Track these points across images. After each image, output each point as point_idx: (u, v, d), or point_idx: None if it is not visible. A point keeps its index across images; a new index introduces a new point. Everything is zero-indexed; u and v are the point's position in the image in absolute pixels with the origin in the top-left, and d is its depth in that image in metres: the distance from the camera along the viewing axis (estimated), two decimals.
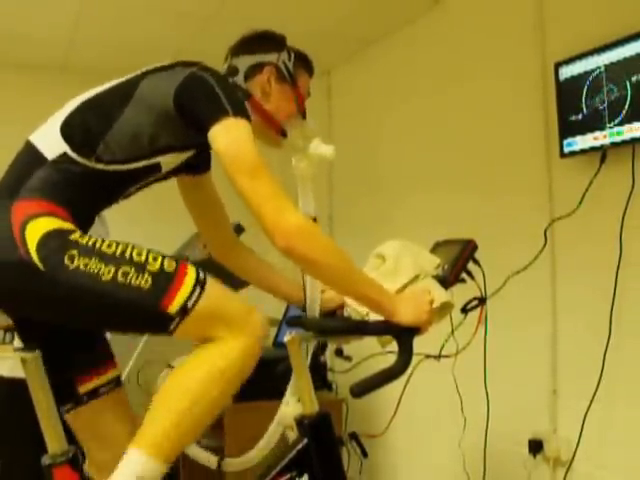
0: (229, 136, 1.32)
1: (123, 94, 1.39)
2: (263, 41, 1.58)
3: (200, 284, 1.27)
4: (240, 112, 1.34)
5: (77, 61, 3.38)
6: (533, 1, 2.31)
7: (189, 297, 1.24)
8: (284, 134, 1.57)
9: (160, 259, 1.27)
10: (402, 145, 3.04)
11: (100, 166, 1.35)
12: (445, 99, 2.76)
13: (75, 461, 1.38)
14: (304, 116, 1.60)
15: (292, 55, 1.58)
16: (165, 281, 1.24)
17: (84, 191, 1.36)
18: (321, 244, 1.32)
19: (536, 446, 2.23)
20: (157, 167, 1.44)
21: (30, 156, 1.36)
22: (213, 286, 1.29)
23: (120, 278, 1.22)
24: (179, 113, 1.37)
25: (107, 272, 1.22)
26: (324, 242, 1.34)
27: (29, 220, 1.25)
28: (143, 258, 1.25)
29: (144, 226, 2.98)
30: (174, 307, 1.23)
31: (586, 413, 2.05)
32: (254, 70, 1.54)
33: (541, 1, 2.29)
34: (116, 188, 1.45)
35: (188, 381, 1.26)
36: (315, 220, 1.57)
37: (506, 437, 2.34)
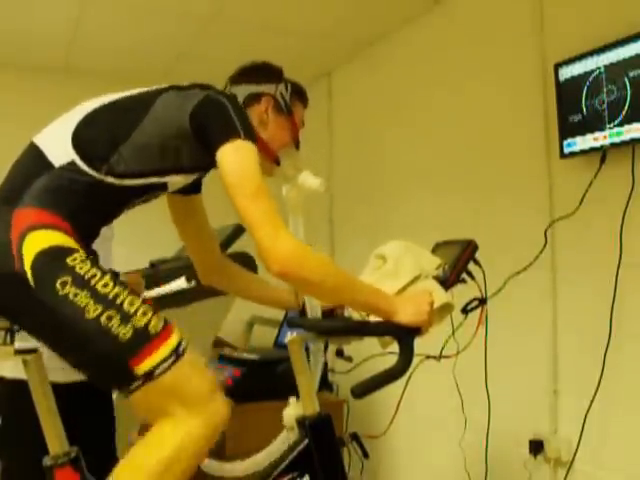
0: (237, 156, 1.34)
1: (140, 107, 1.41)
2: (262, 72, 1.61)
3: (177, 354, 1.24)
4: (250, 135, 1.37)
5: (78, 63, 3.38)
6: (532, 2, 2.31)
7: (159, 364, 1.22)
8: (278, 162, 1.60)
9: (149, 316, 1.25)
10: (402, 146, 3.04)
11: (109, 179, 1.35)
12: (445, 100, 2.76)
13: (76, 462, 1.38)
14: (297, 147, 1.64)
15: (289, 87, 1.61)
16: (144, 339, 1.23)
17: (88, 203, 1.35)
18: (313, 266, 1.33)
19: (537, 446, 2.22)
20: (164, 186, 1.46)
21: (35, 160, 1.35)
22: (188, 360, 1.26)
23: (103, 320, 1.21)
24: (194, 132, 1.39)
25: (93, 310, 1.21)
26: (316, 264, 1.34)
27: (29, 231, 1.24)
28: (133, 309, 1.24)
29: (146, 226, 2.98)
30: (141, 369, 1.21)
31: (587, 413, 2.05)
32: (252, 99, 1.57)
33: (541, 2, 2.29)
34: (120, 202, 1.45)
35: (146, 464, 1.23)
36: None
37: (507, 437, 2.34)
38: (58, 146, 1.35)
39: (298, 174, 1.57)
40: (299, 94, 1.65)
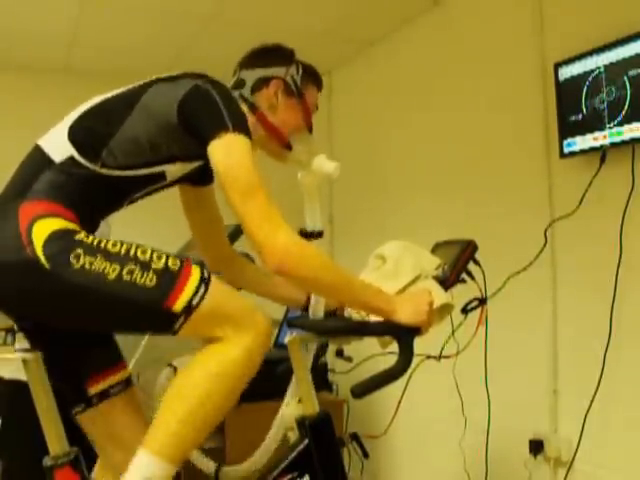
0: (228, 152, 1.32)
1: (128, 101, 1.41)
2: (271, 55, 1.58)
3: (204, 282, 1.27)
4: (240, 128, 1.34)
5: (78, 63, 3.38)
6: (532, 1, 2.31)
7: (194, 295, 1.25)
8: (289, 147, 1.57)
9: (164, 257, 1.27)
10: (402, 145, 3.04)
11: (105, 171, 1.36)
12: (445, 99, 2.76)
13: (76, 462, 1.38)
14: (310, 131, 1.61)
15: (300, 69, 1.58)
16: (170, 279, 1.25)
17: (89, 195, 1.37)
18: (311, 262, 1.32)
19: (537, 446, 2.23)
20: (162, 176, 1.45)
21: (38, 159, 1.37)
22: (217, 285, 1.30)
23: (125, 276, 1.23)
24: (181, 125, 1.38)
25: (112, 271, 1.23)
26: (314, 260, 1.33)
27: (36, 220, 1.26)
28: (147, 256, 1.26)
29: (145, 226, 2.98)
30: (179, 305, 1.24)
31: (587, 413, 2.05)
32: (261, 83, 1.54)
33: (540, 1, 2.29)
34: (121, 193, 1.45)
35: (194, 382, 1.26)
36: (321, 233, 1.58)
37: (507, 437, 2.34)
38: (58, 143, 1.38)
39: (312, 159, 1.54)
40: (312, 76, 1.61)
